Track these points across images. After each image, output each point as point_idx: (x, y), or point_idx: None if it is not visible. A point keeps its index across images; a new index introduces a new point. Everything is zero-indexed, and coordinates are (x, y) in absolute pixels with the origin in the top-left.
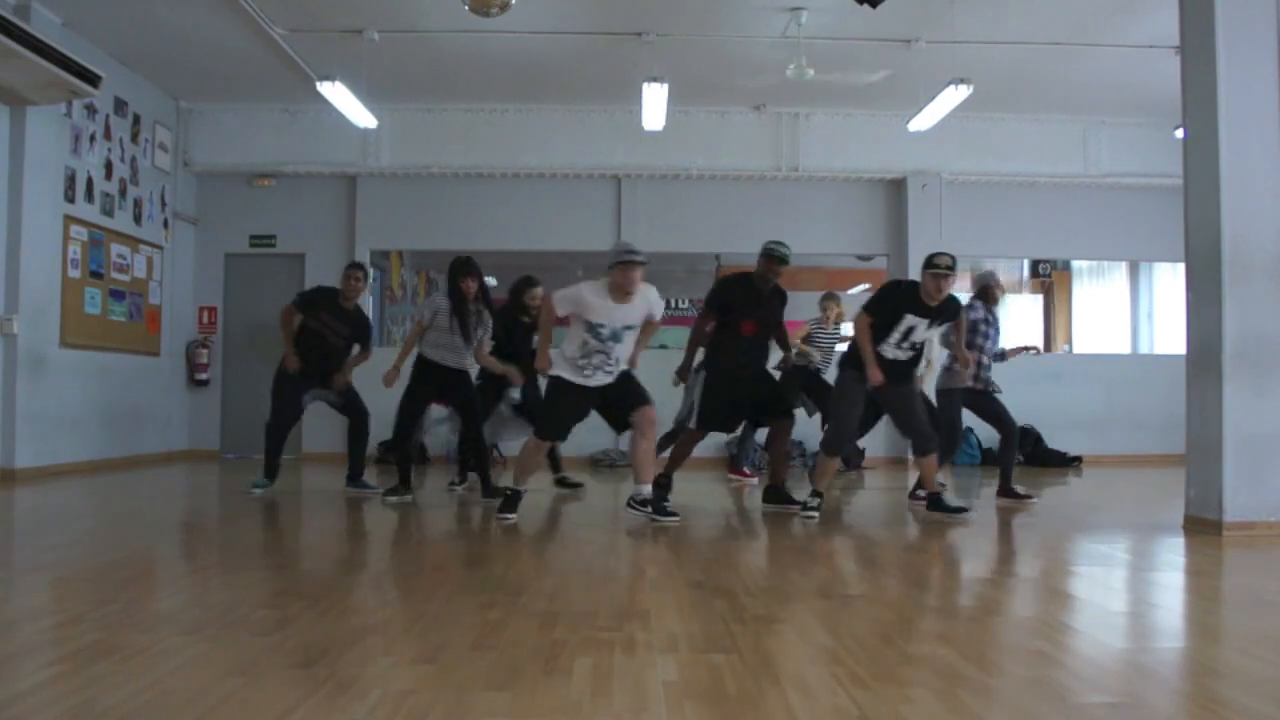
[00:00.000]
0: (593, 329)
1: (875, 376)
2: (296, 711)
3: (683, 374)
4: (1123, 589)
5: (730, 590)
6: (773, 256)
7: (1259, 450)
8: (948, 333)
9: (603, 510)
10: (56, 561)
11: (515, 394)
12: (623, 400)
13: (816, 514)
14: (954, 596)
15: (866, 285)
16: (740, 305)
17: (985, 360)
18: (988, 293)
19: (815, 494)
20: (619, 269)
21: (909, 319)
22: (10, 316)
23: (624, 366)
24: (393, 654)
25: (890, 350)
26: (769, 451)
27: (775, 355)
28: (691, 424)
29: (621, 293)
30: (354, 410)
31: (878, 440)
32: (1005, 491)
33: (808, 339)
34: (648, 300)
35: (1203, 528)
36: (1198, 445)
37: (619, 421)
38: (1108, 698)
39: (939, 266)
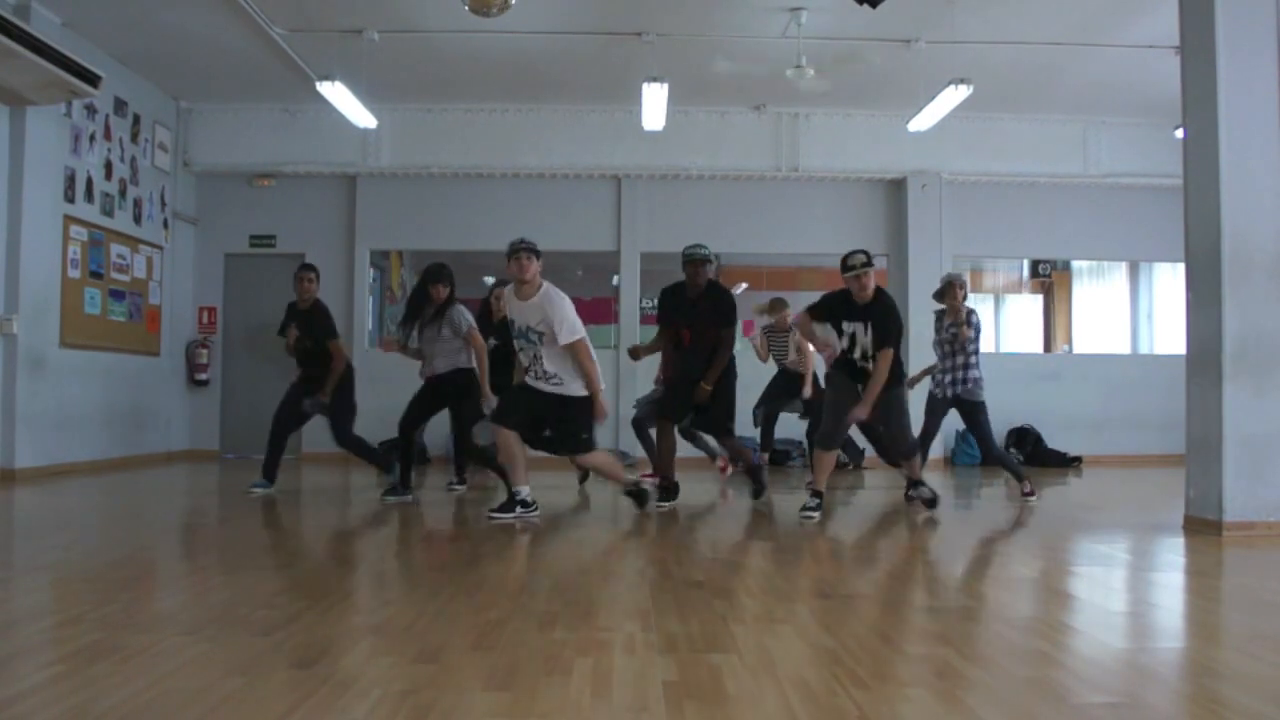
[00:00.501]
0: (510, 324)
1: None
2: (296, 711)
3: (635, 352)
4: (1123, 589)
5: (730, 590)
6: (692, 260)
7: (1259, 450)
8: (963, 338)
9: (603, 510)
10: (56, 561)
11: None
12: (553, 438)
13: (816, 514)
14: (954, 596)
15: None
16: (674, 314)
17: (971, 361)
18: (950, 292)
19: (815, 494)
20: (508, 261)
21: (846, 325)
22: (10, 316)
23: (557, 385)
24: (393, 654)
25: (858, 359)
26: (659, 447)
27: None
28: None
29: (517, 283)
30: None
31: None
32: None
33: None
34: (545, 305)
35: (1203, 528)
36: (1198, 445)
37: (533, 441)
38: (1108, 698)
39: (853, 266)
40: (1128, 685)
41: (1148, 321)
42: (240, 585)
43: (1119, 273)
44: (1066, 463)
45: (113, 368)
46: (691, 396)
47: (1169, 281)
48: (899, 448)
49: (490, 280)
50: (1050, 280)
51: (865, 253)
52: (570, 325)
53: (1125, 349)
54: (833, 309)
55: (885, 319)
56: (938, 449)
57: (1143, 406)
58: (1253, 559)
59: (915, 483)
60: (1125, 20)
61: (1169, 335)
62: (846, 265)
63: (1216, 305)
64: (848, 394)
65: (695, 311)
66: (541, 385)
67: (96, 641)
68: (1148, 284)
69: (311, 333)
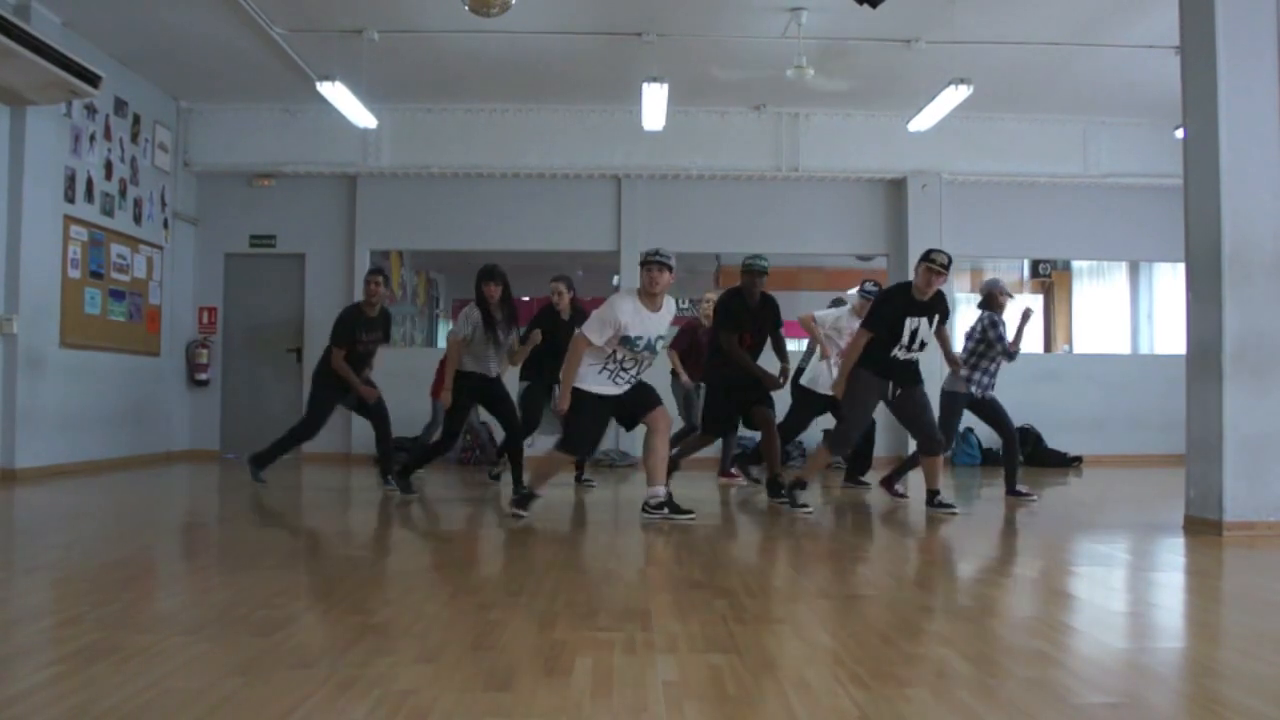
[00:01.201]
0: (628, 343)
1: (840, 390)
2: (296, 711)
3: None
4: (1123, 589)
5: (730, 590)
6: (753, 271)
7: (1259, 450)
8: (997, 334)
9: (603, 510)
10: (56, 561)
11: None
12: (636, 401)
13: (809, 506)
14: (954, 596)
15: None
16: (739, 320)
17: (991, 368)
18: (993, 300)
19: (799, 484)
20: (646, 270)
21: (909, 321)
22: (10, 316)
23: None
24: (393, 654)
25: (902, 353)
26: (761, 445)
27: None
28: (700, 430)
29: (649, 297)
30: (374, 413)
31: (878, 440)
32: (1012, 492)
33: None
34: (670, 311)
35: (1203, 528)
36: (1198, 445)
37: (630, 420)
38: (1108, 698)
39: (935, 263)
40: (1128, 685)
41: (1148, 321)
42: (240, 585)
43: (1119, 273)
44: (1066, 463)
45: (113, 368)
46: (738, 397)
47: (1169, 281)
48: (928, 445)
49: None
50: (1050, 280)
51: (948, 255)
52: None
53: (1125, 349)
54: (896, 311)
55: (948, 312)
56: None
57: (1143, 406)
58: (1253, 559)
59: (933, 491)
60: (1125, 20)
61: (1169, 335)
62: (930, 258)
63: (1216, 305)
64: (870, 404)
65: (758, 317)
66: (610, 390)
67: (96, 641)
68: (1148, 284)
69: (382, 333)
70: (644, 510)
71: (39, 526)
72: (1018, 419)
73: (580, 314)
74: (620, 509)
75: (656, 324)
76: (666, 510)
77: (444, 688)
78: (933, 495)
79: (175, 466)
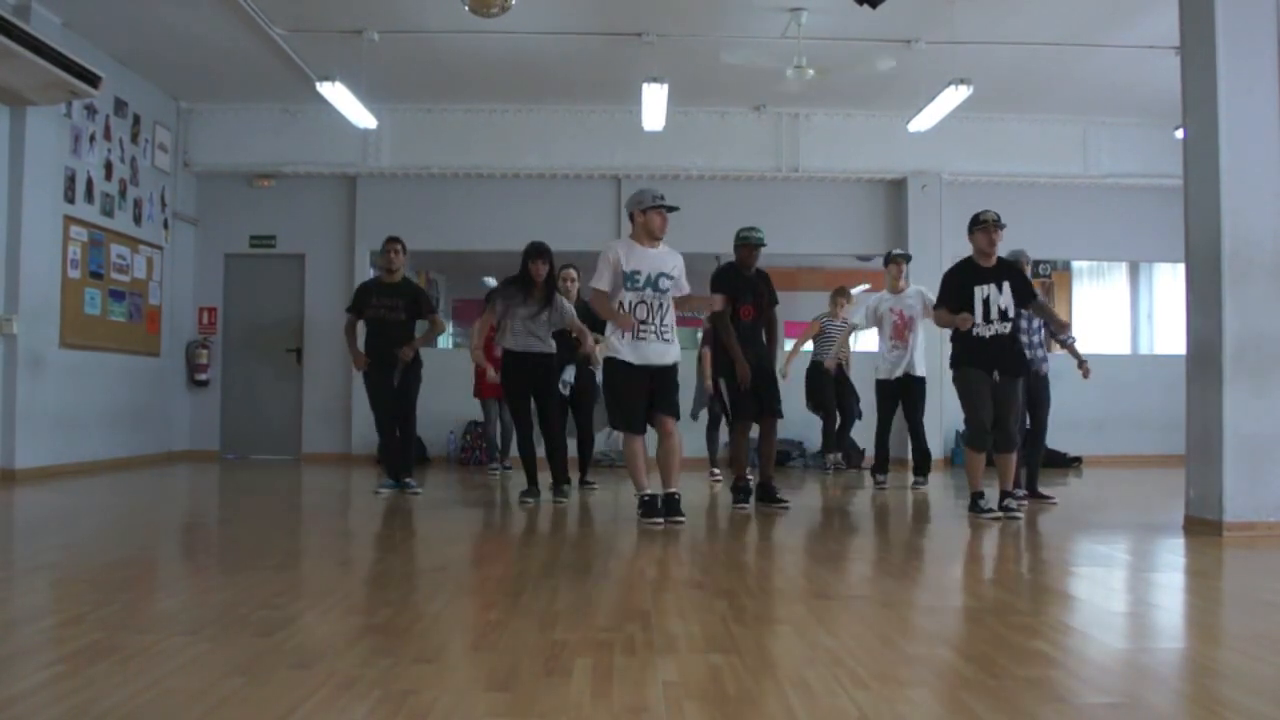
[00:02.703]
0: (629, 278)
1: (965, 321)
2: (296, 711)
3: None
4: (1123, 589)
5: (730, 590)
6: (748, 243)
7: (1259, 450)
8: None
9: (603, 511)
10: (56, 561)
11: (569, 375)
12: (654, 398)
13: (1019, 511)
14: (954, 596)
15: (867, 285)
16: (738, 291)
17: (1034, 340)
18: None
19: (978, 494)
20: (649, 214)
21: (979, 290)
22: (10, 316)
23: (674, 340)
24: (393, 654)
25: (982, 329)
26: (759, 450)
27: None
28: (696, 419)
29: (649, 238)
30: (402, 406)
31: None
32: (1031, 492)
33: (820, 334)
34: (671, 253)
35: (1203, 528)
36: (1198, 445)
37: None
38: (1108, 698)
39: (986, 221)
40: (1128, 685)
41: (1148, 321)
42: (240, 586)
43: (1119, 273)
44: (1066, 463)
45: (113, 368)
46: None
47: (1169, 281)
48: (1002, 442)
49: (492, 281)
50: (1050, 280)
51: (995, 212)
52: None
53: (1125, 349)
54: (961, 282)
55: (1024, 274)
56: (939, 449)
57: (1143, 406)
58: (1253, 559)
59: (1005, 493)
60: (1125, 20)
61: (1169, 335)
62: (980, 219)
63: (1216, 305)
64: (982, 390)
65: (756, 288)
66: (652, 348)
67: (96, 642)
68: (1148, 284)
69: (405, 302)
70: (666, 518)
71: (39, 526)
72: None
73: (584, 304)
74: (620, 509)
75: (655, 260)
76: (643, 513)
77: (444, 688)
78: (1002, 496)
79: (175, 467)
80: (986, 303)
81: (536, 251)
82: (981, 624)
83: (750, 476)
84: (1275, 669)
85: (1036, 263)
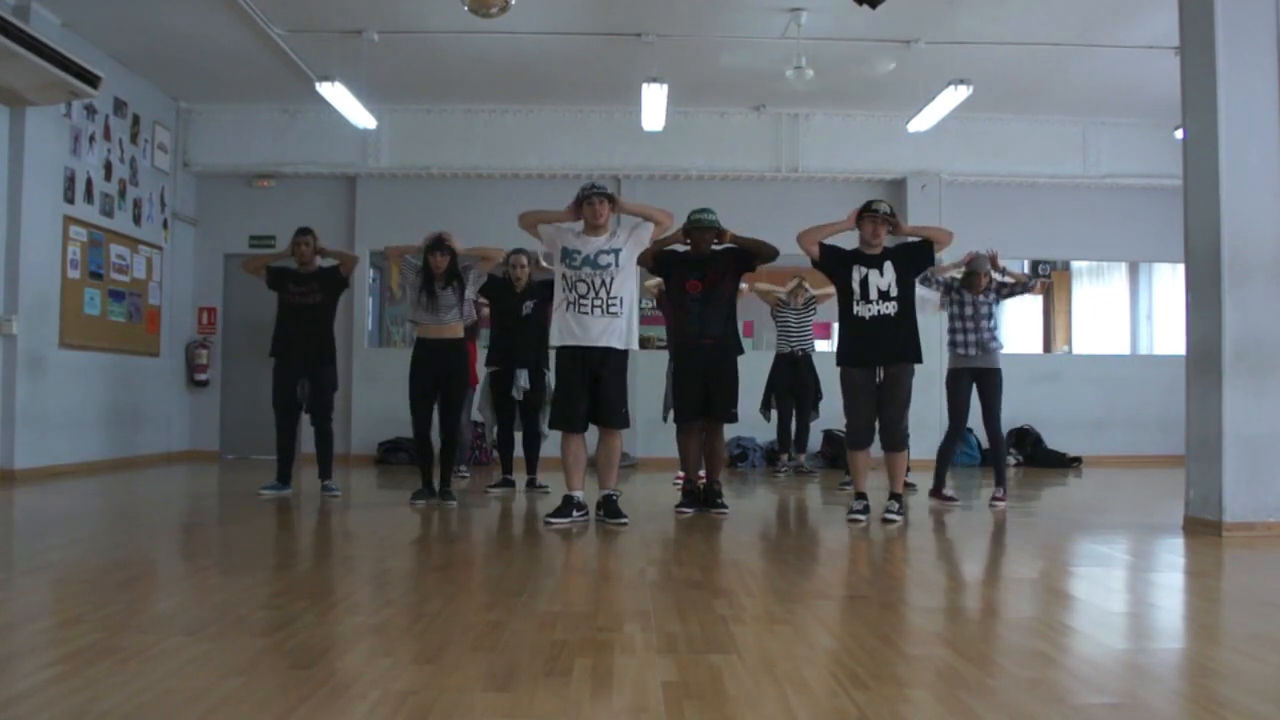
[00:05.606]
0: (568, 255)
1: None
2: (296, 711)
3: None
4: (1122, 589)
5: (730, 590)
6: (699, 226)
7: (1259, 451)
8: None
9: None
10: (56, 562)
11: (524, 380)
12: (600, 405)
13: (864, 518)
14: (954, 597)
15: None
16: (670, 267)
17: (992, 332)
18: (974, 280)
19: (860, 494)
20: (583, 206)
21: (856, 270)
22: (10, 316)
23: (622, 314)
24: (393, 654)
25: (861, 309)
26: (704, 451)
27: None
28: (667, 421)
29: (591, 229)
30: (318, 402)
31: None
32: (1005, 495)
33: (779, 323)
34: (628, 227)
35: (1203, 528)
36: (1198, 446)
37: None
38: (1108, 698)
39: (875, 212)
40: (1128, 685)
41: (1147, 322)
42: (240, 586)
43: (1119, 273)
44: (1066, 463)
45: (112, 368)
46: (703, 376)
47: (1169, 282)
48: (889, 437)
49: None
50: (1050, 281)
51: (886, 202)
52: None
53: (1125, 349)
54: (842, 254)
55: (919, 254)
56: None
57: (1143, 406)
58: (1253, 559)
59: (894, 495)
60: (1125, 20)
61: (1169, 335)
62: (871, 209)
63: (1216, 306)
64: (867, 380)
65: (707, 265)
66: (595, 324)
67: (96, 642)
68: (1147, 284)
69: (321, 284)
70: (599, 518)
71: (39, 527)
72: (1017, 420)
73: (535, 287)
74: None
75: (594, 244)
76: (601, 512)
77: (444, 688)
78: (890, 497)
79: (175, 467)
80: (865, 282)
81: (434, 246)
82: (981, 624)
83: (702, 479)
84: (1275, 669)
85: (1036, 263)
